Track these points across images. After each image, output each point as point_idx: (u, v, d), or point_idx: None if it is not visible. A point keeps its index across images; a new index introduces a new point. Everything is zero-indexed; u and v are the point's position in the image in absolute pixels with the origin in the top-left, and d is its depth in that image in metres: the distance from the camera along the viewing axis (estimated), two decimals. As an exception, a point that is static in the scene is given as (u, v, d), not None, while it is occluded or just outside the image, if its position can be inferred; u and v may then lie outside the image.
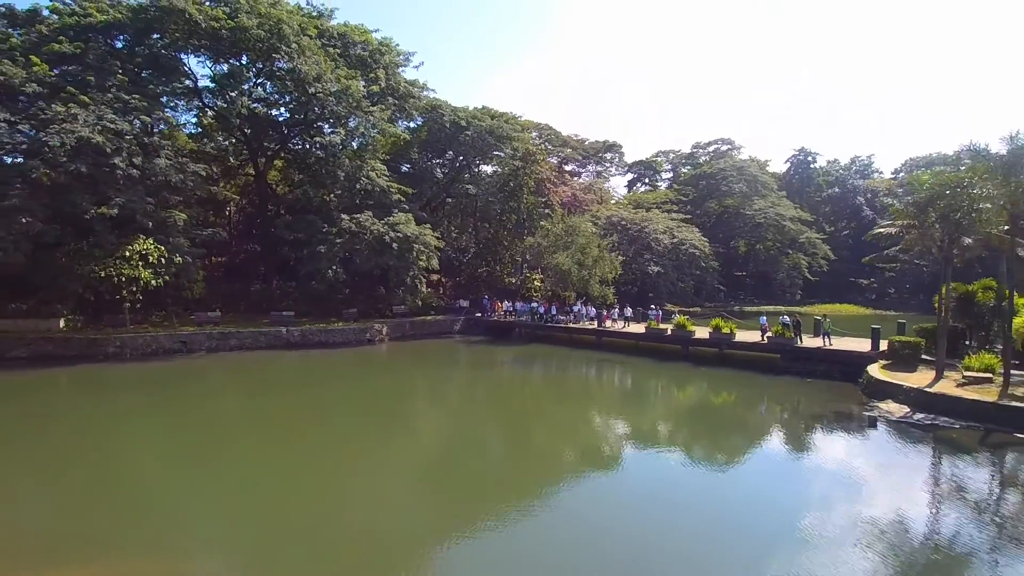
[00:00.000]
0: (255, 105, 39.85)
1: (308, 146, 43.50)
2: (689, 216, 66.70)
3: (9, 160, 26.20)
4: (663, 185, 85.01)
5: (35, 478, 12.62)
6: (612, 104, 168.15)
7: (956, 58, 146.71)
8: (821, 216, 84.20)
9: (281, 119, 43.21)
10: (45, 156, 25.85)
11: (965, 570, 8.63)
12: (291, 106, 41.00)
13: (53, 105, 26.87)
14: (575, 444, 16.39)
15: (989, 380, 18.68)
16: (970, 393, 17.55)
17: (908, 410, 17.55)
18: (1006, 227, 19.38)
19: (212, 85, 39.93)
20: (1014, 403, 16.43)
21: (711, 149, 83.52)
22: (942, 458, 14.07)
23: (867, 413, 17.74)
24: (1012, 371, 18.34)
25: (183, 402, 20.75)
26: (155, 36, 33.12)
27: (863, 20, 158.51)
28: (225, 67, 37.85)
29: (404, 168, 51.21)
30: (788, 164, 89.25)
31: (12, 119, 26.67)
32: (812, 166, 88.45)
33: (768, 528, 10.05)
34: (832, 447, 15.32)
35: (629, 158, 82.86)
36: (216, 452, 14.65)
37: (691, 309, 55.92)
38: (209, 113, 43.40)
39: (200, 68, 37.52)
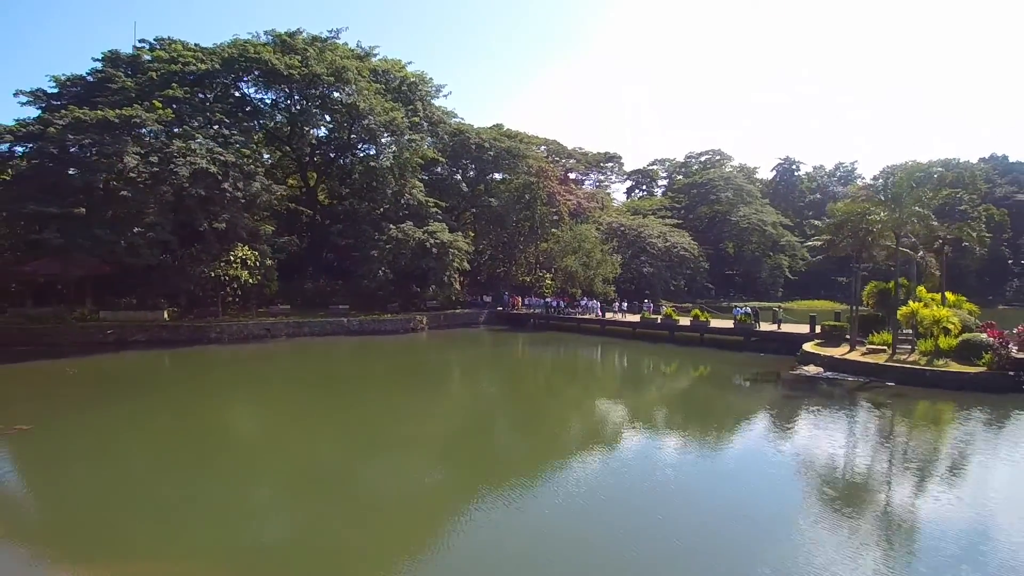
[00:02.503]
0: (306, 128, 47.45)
1: (351, 164, 51.04)
2: (681, 221, 74.20)
3: (142, 185, 33.42)
4: (659, 191, 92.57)
5: (176, 425, 19.70)
6: (613, 106, 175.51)
7: (953, 62, 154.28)
8: (804, 220, 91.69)
9: (322, 137, 50.77)
10: (171, 182, 33.25)
11: (809, 444, 16.14)
12: (330, 125, 48.42)
13: (174, 141, 34.28)
14: (585, 397, 23.91)
15: (883, 351, 26.15)
16: (865, 358, 25.08)
17: (821, 370, 25.09)
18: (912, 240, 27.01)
19: (265, 107, 47.39)
20: (891, 364, 23.97)
21: (703, 159, 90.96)
22: (830, 396, 21.59)
23: (793, 372, 25.29)
24: (898, 344, 25.85)
25: (280, 371, 28.36)
26: (240, 78, 40.55)
27: (862, 22, 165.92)
28: (280, 95, 45.49)
29: (424, 177, 58.55)
30: (774, 172, 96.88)
31: (142, 152, 34.07)
32: (796, 174, 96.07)
33: (714, 433, 17.60)
34: (764, 391, 22.85)
35: (628, 166, 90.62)
36: (305, 407, 20.90)
37: (683, 305, 63.37)
38: (259, 131, 50.76)
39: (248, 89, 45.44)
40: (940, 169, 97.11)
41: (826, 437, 16.14)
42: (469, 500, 11.36)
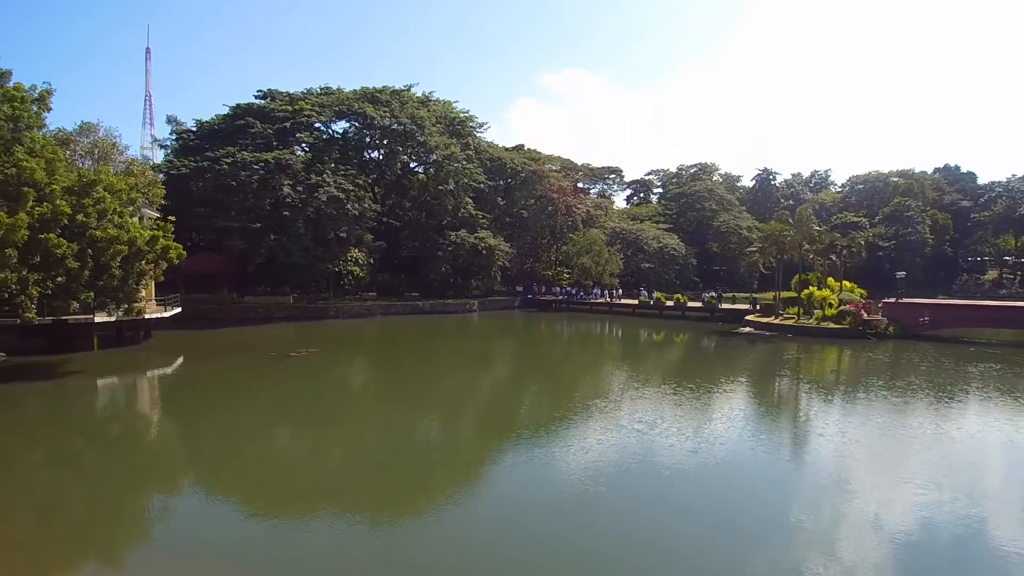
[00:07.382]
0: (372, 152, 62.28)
1: (411, 183, 65.59)
2: (673, 225, 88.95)
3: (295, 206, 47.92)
4: (655, 198, 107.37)
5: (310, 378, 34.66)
6: (615, 113, 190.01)
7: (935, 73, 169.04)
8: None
9: (384, 160, 65.12)
10: (314, 205, 47.78)
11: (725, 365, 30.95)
12: (407, 157, 62.91)
13: (312, 175, 48.84)
14: (599, 348, 38.73)
15: (795, 318, 40.96)
16: (781, 322, 39.93)
17: (752, 329, 39.95)
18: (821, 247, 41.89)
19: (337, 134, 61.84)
20: (794, 324, 38.82)
21: (692, 170, 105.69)
22: (750, 340, 36.39)
23: (734, 331, 40.11)
24: (804, 314, 40.66)
25: (391, 335, 43.21)
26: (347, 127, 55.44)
27: (863, 26, 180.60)
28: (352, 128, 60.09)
29: (472, 196, 73.07)
30: (753, 181, 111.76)
31: (291, 183, 48.57)
32: (772, 182, 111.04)
33: (683, 360, 32.55)
34: (716, 342, 37.67)
35: (628, 176, 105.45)
36: (416, 353, 36.44)
37: (674, 296, 78.11)
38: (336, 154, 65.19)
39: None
40: (896, 179, 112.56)
41: (738, 355, 30.90)
42: (520, 411, 25.89)
